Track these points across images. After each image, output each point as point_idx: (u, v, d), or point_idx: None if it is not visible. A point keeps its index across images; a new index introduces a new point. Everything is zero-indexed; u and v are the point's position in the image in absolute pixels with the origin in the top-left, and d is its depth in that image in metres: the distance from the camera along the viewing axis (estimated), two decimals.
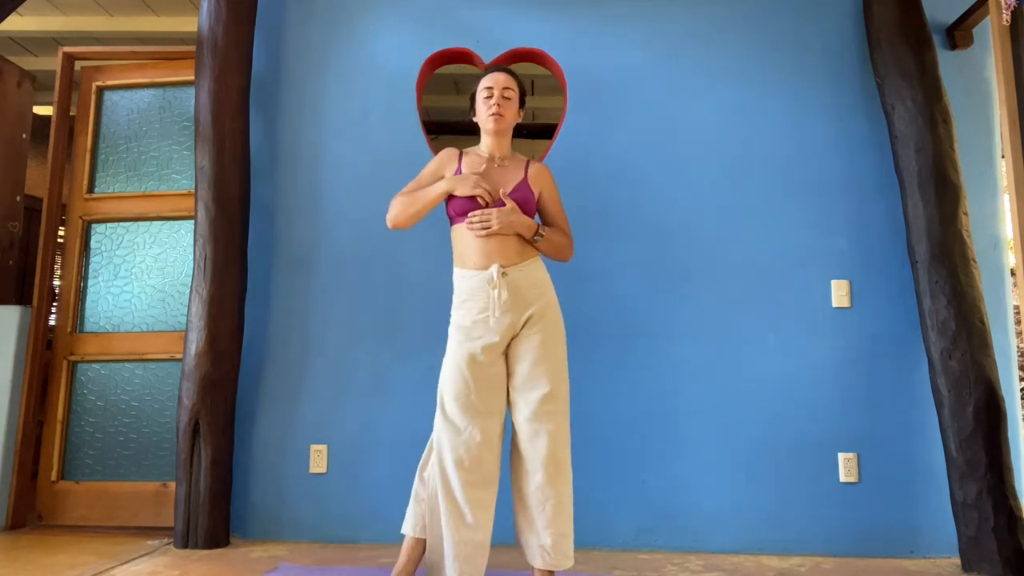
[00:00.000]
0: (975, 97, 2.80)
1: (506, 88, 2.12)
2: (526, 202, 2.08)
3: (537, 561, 1.96)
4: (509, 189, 2.07)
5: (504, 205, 2.03)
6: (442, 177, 2.11)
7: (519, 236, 2.04)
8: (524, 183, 2.11)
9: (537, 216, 2.19)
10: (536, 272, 2.05)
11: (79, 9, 3.92)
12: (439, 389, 2.04)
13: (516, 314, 1.99)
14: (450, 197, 2.07)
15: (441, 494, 1.95)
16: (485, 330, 1.99)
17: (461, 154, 2.16)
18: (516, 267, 2.01)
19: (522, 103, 2.19)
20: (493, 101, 2.10)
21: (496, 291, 1.97)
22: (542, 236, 2.08)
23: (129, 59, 3.22)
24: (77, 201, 3.12)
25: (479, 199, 2.03)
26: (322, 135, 2.97)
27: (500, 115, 2.10)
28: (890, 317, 2.69)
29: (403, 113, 2.94)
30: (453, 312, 2.08)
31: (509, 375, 2.03)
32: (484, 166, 2.12)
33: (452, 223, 2.11)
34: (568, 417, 2.02)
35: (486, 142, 2.17)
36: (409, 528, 2.04)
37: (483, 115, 2.13)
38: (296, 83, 3.01)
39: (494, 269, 1.98)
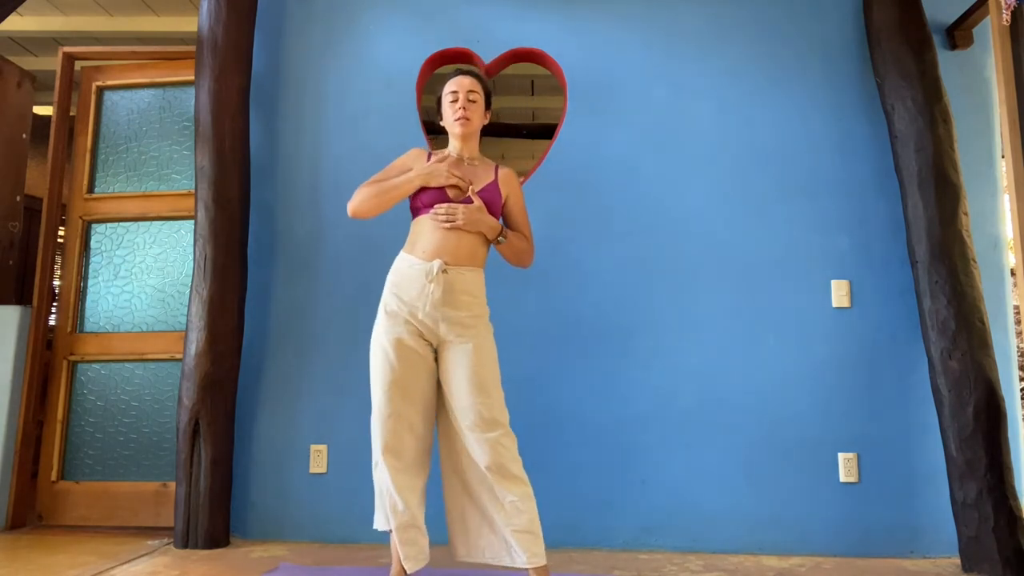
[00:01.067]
0: (975, 97, 2.80)
1: (471, 91, 2.12)
2: (492, 203, 2.08)
3: (505, 559, 1.97)
4: (477, 188, 2.08)
5: (471, 203, 2.03)
6: (411, 170, 2.11)
7: (477, 238, 2.05)
8: (493, 184, 2.12)
9: (501, 220, 2.18)
10: (474, 281, 2.04)
11: (79, 9, 3.92)
12: (371, 376, 2.04)
13: (442, 316, 1.98)
14: (420, 189, 2.07)
15: (376, 480, 2.00)
16: (412, 318, 1.99)
17: (430, 155, 2.17)
18: (458, 268, 2.01)
19: (488, 104, 2.19)
20: (459, 105, 2.10)
21: (432, 286, 1.97)
22: (505, 238, 2.09)
23: (129, 59, 3.22)
24: (77, 201, 3.12)
25: (449, 191, 2.03)
26: (322, 135, 2.97)
27: (467, 119, 2.10)
28: (890, 317, 2.69)
29: (403, 113, 2.95)
30: (384, 294, 2.06)
31: (445, 384, 2.02)
32: (449, 163, 2.12)
33: (415, 215, 2.11)
34: (507, 422, 2.00)
35: (454, 145, 2.18)
36: (377, 522, 2.05)
37: (449, 119, 2.14)
38: (296, 83, 3.01)
39: (435, 264, 1.97)
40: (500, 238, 2.07)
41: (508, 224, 2.18)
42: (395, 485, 1.96)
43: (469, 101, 2.11)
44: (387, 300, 2.05)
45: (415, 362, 2.00)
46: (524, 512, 1.94)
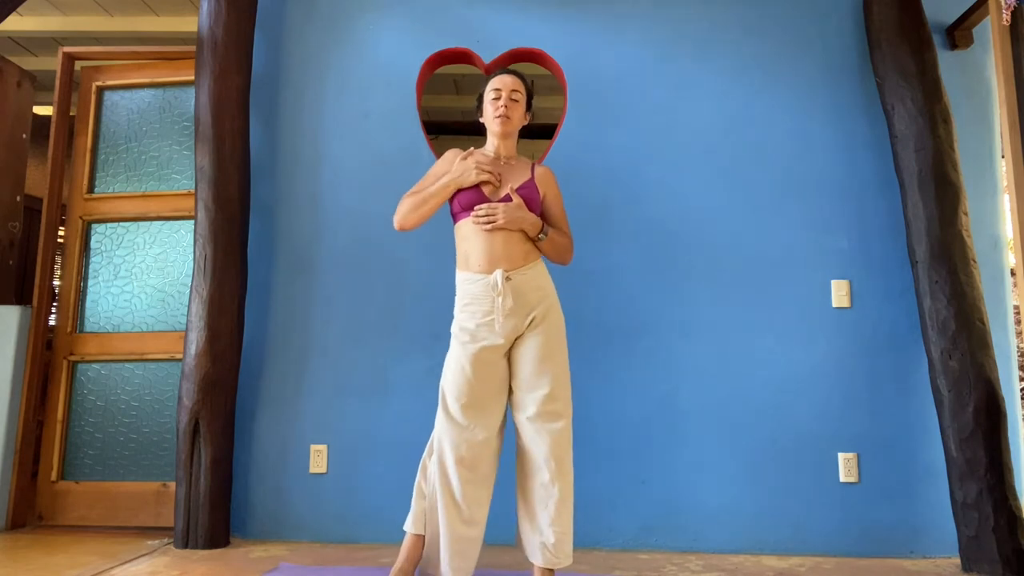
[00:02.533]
0: (975, 97, 2.80)
1: (514, 91, 2.13)
2: (531, 201, 2.08)
3: (538, 558, 1.97)
4: (517, 185, 2.08)
5: (511, 201, 2.03)
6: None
7: (523, 236, 2.05)
8: (531, 182, 2.12)
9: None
10: (539, 275, 2.06)
11: (79, 9, 3.92)
12: (441, 387, 2.05)
13: (520, 317, 2.00)
14: (456, 192, 2.07)
15: (440, 491, 1.97)
16: (489, 333, 1.99)
17: (467, 155, 2.16)
18: (519, 271, 2.02)
19: (529, 105, 2.21)
20: (501, 103, 2.11)
21: (500, 298, 1.97)
22: (546, 235, 2.08)
23: (129, 59, 3.22)
24: (77, 201, 3.12)
25: (484, 186, 2.04)
26: (322, 135, 2.97)
27: (507, 117, 2.11)
28: (890, 317, 2.69)
29: (403, 113, 2.95)
30: (456, 314, 2.07)
31: (512, 375, 2.04)
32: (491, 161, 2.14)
33: (456, 220, 2.11)
34: (570, 417, 2.03)
35: (492, 143, 2.18)
36: (411, 525, 2.05)
37: (490, 117, 2.14)
38: (296, 83, 3.01)
39: (498, 275, 1.97)
40: (541, 235, 2.07)
41: (547, 221, 2.17)
42: (468, 499, 1.96)
43: (511, 100, 2.12)
44: (461, 319, 2.05)
45: (492, 375, 2.01)
46: (565, 512, 1.97)
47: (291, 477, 2.76)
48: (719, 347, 2.72)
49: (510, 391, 2.05)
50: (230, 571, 2.33)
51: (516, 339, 2.03)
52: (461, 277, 2.08)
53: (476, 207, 2.02)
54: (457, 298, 2.08)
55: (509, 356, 2.05)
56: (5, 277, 3.38)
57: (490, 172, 2.04)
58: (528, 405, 1.99)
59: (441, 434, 2.00)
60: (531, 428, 1.98)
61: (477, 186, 2.05)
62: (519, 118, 2.16)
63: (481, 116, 2.21)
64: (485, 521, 2.01)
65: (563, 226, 2.19)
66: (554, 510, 1.95)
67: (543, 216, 2.17)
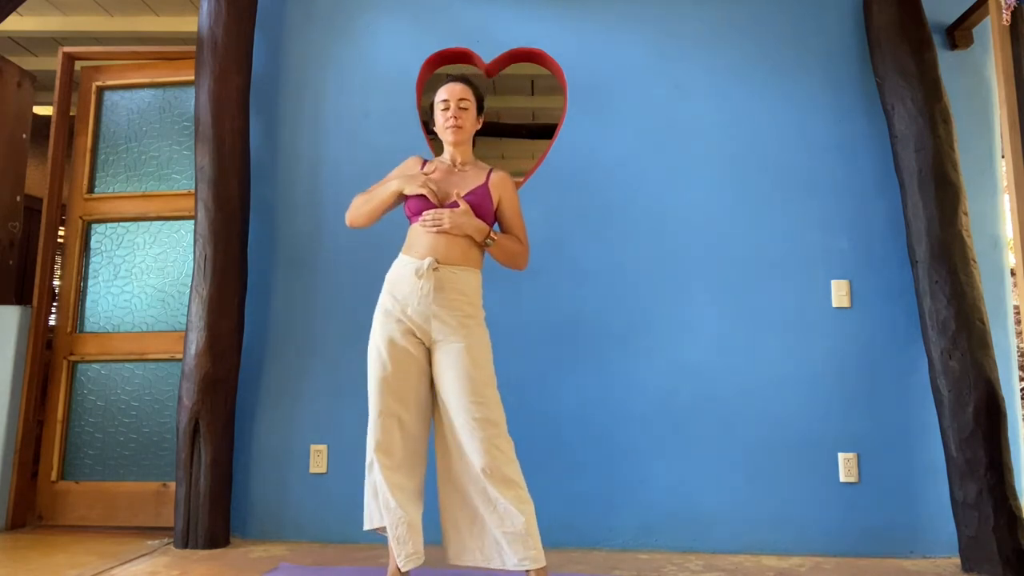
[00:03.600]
0: (975, 97, 2.80)
1: (462, 99, 2.14)
2: (481, 207, 2.10)
3: (496, 561, 1.95)
4: (464, 192, 2.09)
5: (458, 207, 2.05)
6: None
7: (469, 240, 2.06)
8: (483, 188, 2.13)
9: (496, 225, 2.20)
10: (468, 280, 2.06)
11: (79, 9, 3.92)
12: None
13: (439, 312, 1.99)
14: (406, 197, 2.11)
15: (367, 479, 2.01)
16: (404, 316, 2.01)
17: (425, 162, 2.20)
18: (450, 267, 2.03)
19: (481, 108, 2.21)
20: (450, 113, 2.13)
21: (422, 281, 2.00)
22: (493, 240, 2.10)
23: (129, 59, 3.22)
24: (77, 201, 3.12)
25: (430, 199, 2.06)
26: (322, 135, 2.97)
27: (458, 127, 2.13)
28: (890, 317, 2.69)
29: (403, 113, 2.95)
30: (381, 294, 2.10)
31: (436, 384, 2.03)
32: (441, 170, 2.16)
33: (411, 222, 2.14)
34: (503, 425, 1.99)
35: (447, 150, 2.21)
36: (369, 521, 2.04)
37: (441, 127, 2.16)
38: (296, 83, 3.01)
39: (426, 261, 2.01)
40: (488, 240, 2.09)
41: (502, 227, 2.19)
42: (387, 483, 1.97)
43: (460, 109, 2.13)
44: (383, 299, 2.09)
45: (407, 361, 2.02)
46: (519, 515, 1.92)
47: (291, 477, 2.76)
48: (719, 346, 2.72)
49: (440, 402, 2.03)
50: (230, 571, 2.33)
51: (433, 347, 2.02)
52: (397, 260, 2.11)
53: (424, 212, 2.06)
54: (386, 277, 2.11)
55: (431, 364, 2.04)
56: (5, 277, 3.38)
57: (431, 189, 2.07)
58: (457, 415, 1.96)
59: (369, 422, 2.02)
60: (465, 438, 1.95)
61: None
62: (470, 125, 2.17)
63: (433, 125, 2.23)
64: (417, 507, 2.00)
65: (518, 232, 2.19)
66: (506, 516, 1.92)
67: (499, 222, 2.19)
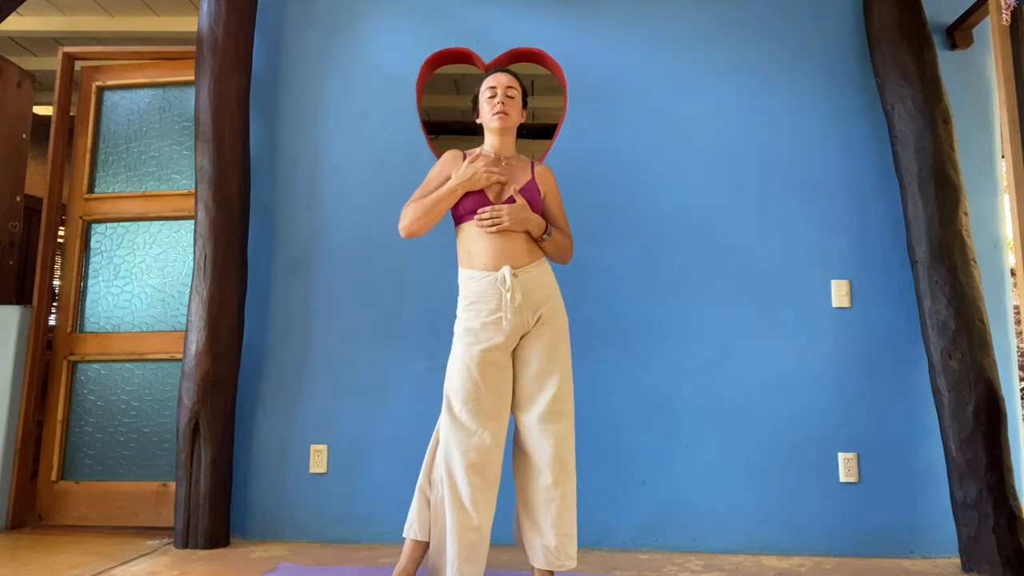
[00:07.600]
0: (975, 97, 2.80)
1: (509, 87, 2.13)
2: (533, 202, 2.08)
3: (540, 561, 1.95)
4: (519, 186, 2.08)
5: (514, 202, 2.03)
6: (450, 178, 2.09)
7: (526, 236, 2.05)
8: (532, 183, 2.12)
9: None
10: (544, 273, 2.06)
11: (79, 9, 3.92)
12: (446, 391, 2.01)
13: (526, 315, 1.99)
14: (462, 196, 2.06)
15: (448, 496, 1.93)
16: (495, 332, 1.97)
17: (465, 156, 2.15)
18: (525, 268, 2.01)
19: (524, 103, 2.20)
20: (497, 100, 2.11)
21: (509, 294, 1.96)
22: (550, 235, 2.08)
23: (129, 59, 3.22)
24: (77, 201, 3.12)
25: (489, 192, 2.04)
26: (322, 135, 2.97)
27: (505, 113, 2.10)
28: (890, 317, 2.69)
29: (403, 113, 2.95)
30: (460, 313, 2.05)
31: (516, 375, 2.02)
32: (485, 163, 2.12)
33: (459, 222, 2.09)
34: (573, 418, 2.02)
35: (491, 141, 2.16)
36: (414, 531, 2.02)
37: (487, 114, 2.13)
38: (296, 83, 3.01)
39: (506, 271, 1.97)
40: (545, 235, 2.07)
41: (547, 220, 2.16)
42: (474, 502, 1.91)
43: (507, 97, 2.12)
44: (466, 318, 2.02)
45: (498, 377, 1.99)
46: (568, 515, 1.96)
47: (291, 477, 2.76)
48: (719, 347, 2.72)
49: (513, 391, 2.03)
50: (230, 571, 2.33)
51: (522, 338, 2.02)
52: (465, 275, 2.05)
53: (480, 210, 2.02)
54: (461, 297, 2.06)
55: (514, 355, 2.03)
56: (5, 277, 3.38)
57: (499, 175, 2.04)
58: (534, 406, 1.97)
59: (448, 439, 1.96)
60: (536, 429, 1.96)
61: (481, 189, 2.05)
62: (516, 115, 2.16)
63: (478, 117, 2.20)
64: (491, 525, 1.98)
65: (563, 225, 2.19)
66: (556, 513, 1.94)
67: (543, 215, 2.17)
